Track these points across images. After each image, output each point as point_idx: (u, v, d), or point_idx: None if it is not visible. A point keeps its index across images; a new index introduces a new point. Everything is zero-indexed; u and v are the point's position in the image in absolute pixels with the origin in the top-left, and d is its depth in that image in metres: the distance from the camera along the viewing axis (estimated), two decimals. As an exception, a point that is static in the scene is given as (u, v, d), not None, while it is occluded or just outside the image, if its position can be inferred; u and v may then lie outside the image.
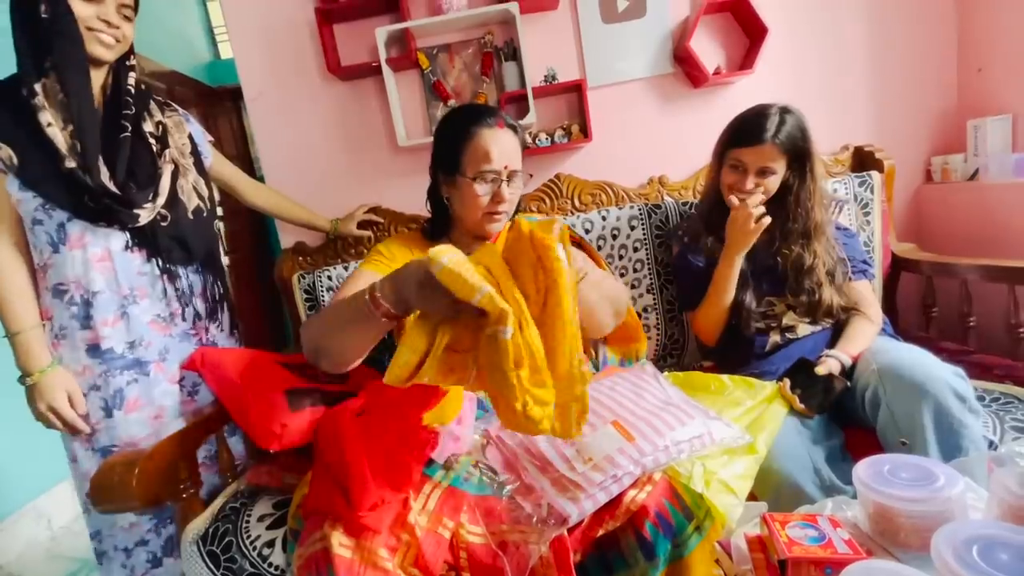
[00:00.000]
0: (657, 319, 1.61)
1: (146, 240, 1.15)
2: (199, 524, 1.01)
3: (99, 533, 1.22)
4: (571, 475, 0.87)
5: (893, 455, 0.78)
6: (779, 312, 1.30)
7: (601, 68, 1.74)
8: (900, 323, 1.61)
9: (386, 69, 1.63)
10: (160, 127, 1.21)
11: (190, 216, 1.21)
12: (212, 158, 1.37)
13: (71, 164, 1.04)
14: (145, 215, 1.13)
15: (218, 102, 3.58)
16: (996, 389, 1.18)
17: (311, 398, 1.09)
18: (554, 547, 0.82)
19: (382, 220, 1.73)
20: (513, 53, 1.69)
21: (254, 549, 0.95)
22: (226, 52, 3.92)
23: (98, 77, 1.12)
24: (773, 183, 1.25)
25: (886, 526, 0.70)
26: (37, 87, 1.03)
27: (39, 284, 1.14)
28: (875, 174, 1.63)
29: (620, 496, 0.86)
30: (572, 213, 1.72)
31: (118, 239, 1.13)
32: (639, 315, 1.58)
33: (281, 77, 1.74)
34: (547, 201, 1.74)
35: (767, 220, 1.21)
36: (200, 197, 1.25)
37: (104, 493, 0.91)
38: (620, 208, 1.64)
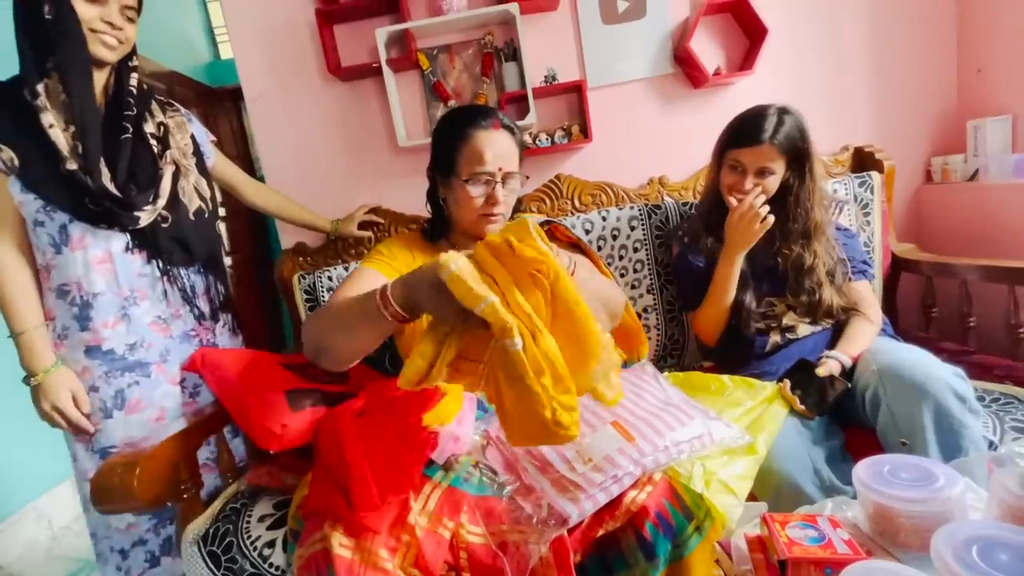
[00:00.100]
0: (657, 319, 1.61)
1: (147, 241, 1.15)
2: (200, 524, 1.01)
3: (96, 533, 1.22)
4: (571, 476, 0.87)
5: (893, 455, 0.78)
6: (779, 312, 1.30)
7: (601, 69, 1.74)
8: (900, 323, 1.61)
9: (386, 70, 1.63)
10: (161, 128, 1.21)
11: (191, 217, 1.21)
12: (214, 158, 1.37)
13: (72, 166, 1.04)
14: (145, 217, 1.13)
15: (218, 102, 3.58)
16: (996, 389, 1.18)
17: (311, 398, 1.09)
18: (554, 547, 0.82)
19: (382, 221, 1.73)
20: (513, 54, 1.70)
21: (255, 549, 0.95)
22: (226, 52, 3.92)
23: (100, 78, 1.12)
24: (772, 183, 1.25)
25: (886, 526, 0.70)
26: (39, 88, 1.03)
27: (42, 284, 1.14)
28: (875, 174, 1.63)
29: (620, 496, 0.86)
30: (572, 213, 1.72)
31: (119, 241, 1.13)
32: (639, 315, 1.58)
33: (281, 78, 1.74)
34: (547, 202, 1.74)
35: (771, 220, 1.21)
36: (201, 198, 1.25)
37: (105, 494, 0.91)
38: (620, 208, 1.64)
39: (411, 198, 1.69)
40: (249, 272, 3.47)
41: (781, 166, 1.24)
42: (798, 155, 1.25)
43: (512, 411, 0.75)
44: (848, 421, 1.14)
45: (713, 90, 1.76)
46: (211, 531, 0.99)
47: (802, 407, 1.08)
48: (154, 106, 1.22)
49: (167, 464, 0.99)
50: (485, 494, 0.91)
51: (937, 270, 1.53)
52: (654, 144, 1.78)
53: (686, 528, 0.86)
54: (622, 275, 1.61)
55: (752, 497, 0.95)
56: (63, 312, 1.13)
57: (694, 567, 0.85)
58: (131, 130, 1.13)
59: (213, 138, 1.39)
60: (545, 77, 1.70)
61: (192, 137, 1.28)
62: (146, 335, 1.16)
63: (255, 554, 0.94)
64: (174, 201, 1.18)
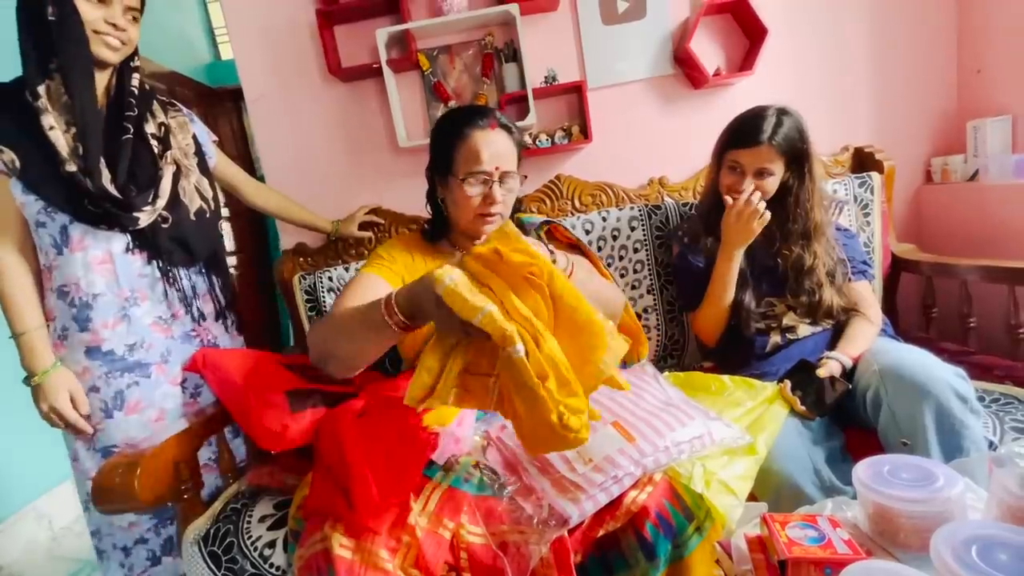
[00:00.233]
0: (657, 320, 1.61)
1: (147, 242, 1.16)
2: (200, 524, 1.01)
3: (99, 531, 1.22)
4: (571, 476, 0.87)
5: (893, 455, 0.78)
6: (779, 313, 1.30)
7: (601, 69, 1.74)
8: (900, 324, 1.61)
9: (387, 70, 1.63)
10: (163, 128, 1.21)
11: (192, 217, 1.21)
12: (216, 158, 1.38)
13: (72, 167, 1.04)
14: (145, 217, 1.13)
15: (218, 103, 3.58)
16: (996, 390, 1.18)
17: (312, 399, 1.09)
18: (555, 548, 0.82)
19: (383, 221, 1.73)
20: (513, 54, 1.70)
21: (255, 550, 0.95)
22: (227, 53, 3.92)
23: (102, 79, 1.12)
24: (771, 184, 1.25)
25: (886, 526, 0.70)
26: (40, 89, 1.04)
27: (44, 285, 1.15)
28: (875, 175, 1.63)
29: (621, 497, 0.86)
30: (572, 214, 1.72)
31: (119, 241, 1.13)
32: (639, 316, 1.58)
33: (282, 78, 1.74)
34: (547, 202, 1.74)
35: (767, 216, 1.21)
36: (203, 198, 1.25)
37: (106, 493, 0.91)
38: (620, 209, 1.64)
39: (411, 199, 1.69)
40: (249, 272, 3.47)
41: (780, 167, 1.25)
42: (797, 156, 1.25)
43: (524, 419, 0.75)
44: (848, 421, 1.14)
45: (713, 90, 1.76)
46: (212, 531, 0.99)
47: (802, 408, 1.08)
48: (156, 106, 1.22)
49: (168, 464, 0.99)
50: (485, 494, 0.91)
51: (937, 270, 1.53)
52: (654, 145, 1.78)
53: (686, 528, 0.86)
54: (622, 275, 1.61)
55: (752, 497, 0.95)
56: (63, 313, 1.13)
57: (694, 567, 0.85)
58: (132, 131, 1.13)
59: (215, 138, 1.40)
60: (545, 78, 1.71)
61: (194, 137, 1.28)
62: (146, 336, 1.17)
63: (256, 554, 0.94)
64: (174, 201, 1.19)
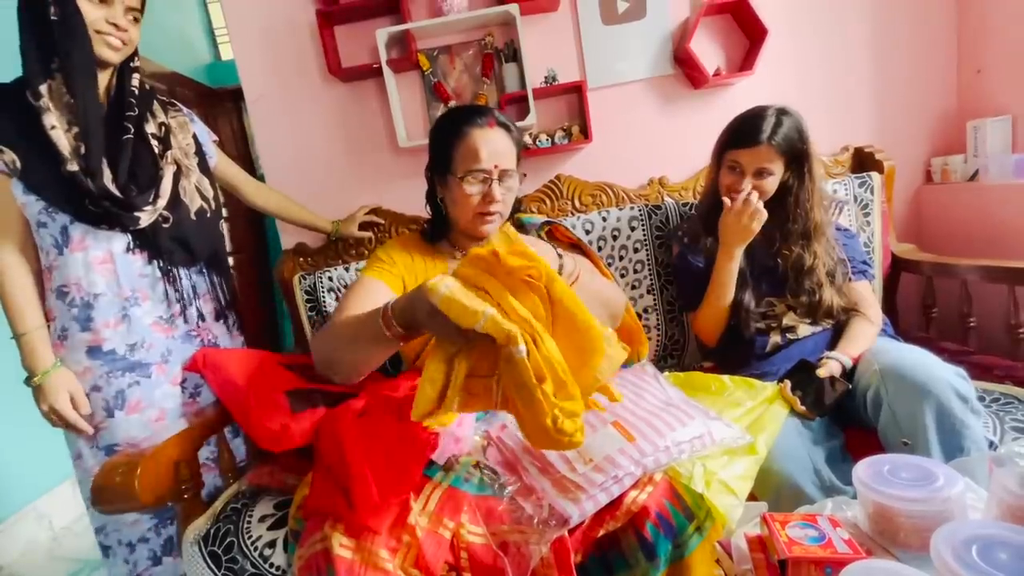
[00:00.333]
0: (657, 320, 1.61)
1: (147, 242, 1.16)
2: (200, 524, 1.01)
3: (104, 528, 1.22)
4: (572, 476, 0.87)
5: (893, 455, 0.78)
6: (779, 313, 1.30)
7: (601, 69, 1.74)
8: (900, 324, 1.61)
9: (387, 70, 1.63)
10: (163, 128, 1.21)
11: (192, 217, 1.21)
12: (217, 158, 1.38)
13: (73, 167, 1.04)
14: (146, 217, 1.13)
15: (218, 103, 3.58)
16: (996, 389, 1.18)
17: (312, 399, 1.09)
18: (555, 548, 0.82)
19: (383, 221, 1.73)
20: (513, 54, 1.70)
21: (255, 550, 0.95)
22: (227, 53, 3.92)
23: (102, 79, 1.12)
24: (770, 184, 1.25)
25: (886, 526, 0.70)
26: (42, 89, 1.04)
27: (44, 285, 1.15)
28: (875, 175, 1.63)
29: (621, 496, 0.86)
30: (572, 214, 1.72)
31: (120, 241, 1.14)
32: (639, 316, 1.58)
33: (282, 78, 1.74)
34: (547, 202, 1.74)
35: (765, 215, 1.21)
36: (203, 198, 1.25)
37: (106, 493, 0.91)
38: (620, 209, 1.65)
39: (411, 199, 1.69)
40: (250, 272, 3.48)
41: (780, 167, 1.25)
42: (797, 156, 1.25)
43: (525, 417, 0.75)
44: (848, 421, 1.14)
45: (713, 91, 1.76)
46: (212, 531, 0.99)
47: (802, 408, 1.08)
48: (156, 106, 1.22)
49: (168, 464, 0.99)
50: (485, 494, 0.91)
51: (937, 270, 1.53)
52: (654, 145, 1.79)
53: (687, 528, 0.86)
54: (622, 275, 1.61)
55: (752, 497, 0.95)
56: (63, 313, 1.13)
57: (695, 567, 0.85)
58: (132, 131, 1.13)
59: (215, 138, 1.40)
60: (545, 78, 1.71)
61: (194, 137, 1.29)
62: (147, 335, 1.17)
63: (256, 554, 0.94)
64: (175, 201, 1.19)
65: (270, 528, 0.98)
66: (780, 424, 1.04)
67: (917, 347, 1.12)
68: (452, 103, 1.74)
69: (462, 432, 0.98)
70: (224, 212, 1.37)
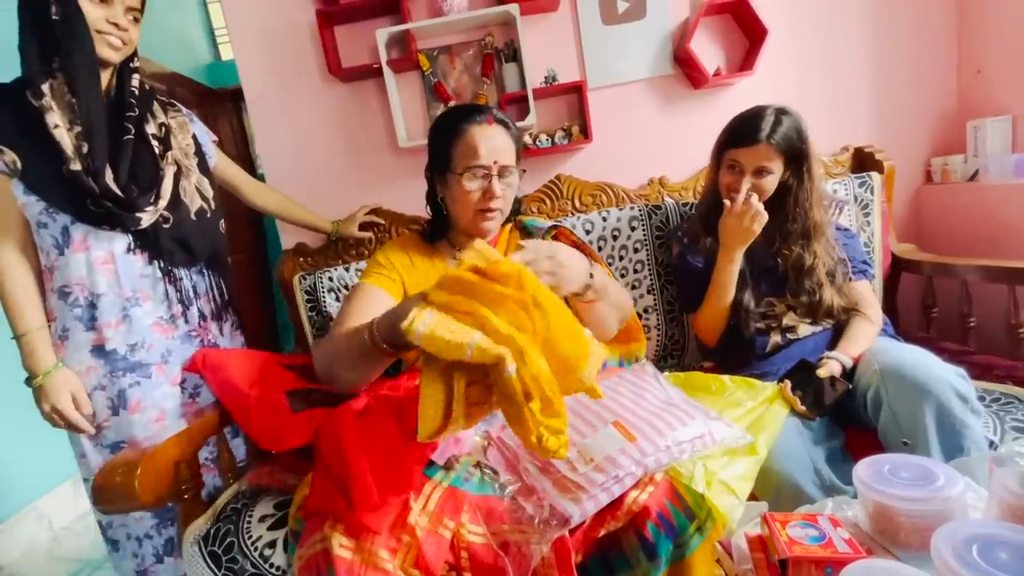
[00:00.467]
0: (657, 319, 1.61)
1: (148, 242, 1.16)
2: (200, 525, 1.01)
3: (111, 523, 1.23)
4: (573, 476, 0.87)
5: (893, 455, 0.78)
6: (779, 312, 1.30)
7: (601, 69, 1.75)
8: (900, 324, 1.61)
9: (387, 71, 1.63)
10: (163, 128, 1.21)
11: (193, 217, 1.21)
12: (216, 158, 1.38)
13: (76, 167, 1.04)
14: (147, 218, 1.13)
15: (218, 103, 3.59)
16: (996, 389, 1.18)
17: (312, 399, 1.09)
18: (556, 548, 0.82)
19: (383, 221, 1.73)
20: (513, 54, 1.70)
21: (255, 550, 0.95)
22: (227, 54, 3.92)
23: (102, 78, 1.12)
24: (770, 183, 1.25)
25: (886, 525, 0.70)
26: (44, 88, 1.03)
27: (45, 285, 1.15)
28: (875, 175, 1.63)
29: (622, 496, 0.86)
30: (572, 214, 1.72)
31: (121, 241, 1.13)
32: (639, 316, 1.58)
33: (282, 79, 1.74)
34: (547, 202, 1.74)
35: (765, 216, 1.21)
36: (203, 198, 1.25)
37: (106, 493, 0.91)
38: (620, 209, 1.65)
39: (412, 199, 1.69)
40: (249, 272, 3.48)
41: (779, 166, 1.25)
42: (796, 155, 1.25)
43: (513, 429, 0.76)
44: (849, 421, 1.14)
45: (713, 91, 1.76)
46: (212, 531, 0.99)
47: (803, 408, 1.08)
48: (156, 107, 1.22)
49: (168, 464, 0.99)
50: (486, 493, 0.91)
51: (937, 270, 1.53)
52: (654, 145, 1.79)
53: (688, 528, 0.86)
54: (622, 275, 1.61)
55: (753, 497, 0.95)
56: (64, 313, 1.13)
57: (695, 567, 0.85)
58: (133, 131, 1.13)
59: (215, 138, 1.39)
60: (545, 78, 1.71)
61: (194, 137, 1.28)
62: (147, 336, 1.17)
63: (256, 554, 0.94)
64: (175, 202, 1.19)
65: (270, 528, 0.98)
66: (780, 424, 1.04)
67: (917, 347, 1.12)
68: (452, 103, 1.74)
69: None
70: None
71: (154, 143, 1.17)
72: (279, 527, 0.98)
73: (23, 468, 2.18)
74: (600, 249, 1.60)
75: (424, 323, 0.73)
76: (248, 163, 3.73)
